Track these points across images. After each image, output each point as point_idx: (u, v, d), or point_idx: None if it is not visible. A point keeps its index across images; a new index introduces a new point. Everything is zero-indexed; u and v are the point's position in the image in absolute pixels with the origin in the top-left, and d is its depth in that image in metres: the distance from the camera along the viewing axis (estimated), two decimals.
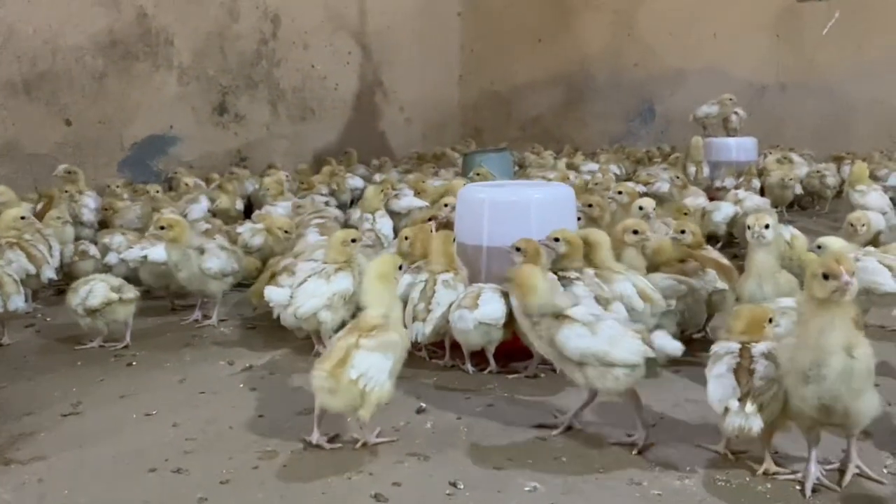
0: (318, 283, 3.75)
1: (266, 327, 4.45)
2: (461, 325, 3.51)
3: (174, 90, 9.09)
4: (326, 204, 7.38)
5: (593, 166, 9.40)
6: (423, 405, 3.26)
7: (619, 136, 12.20)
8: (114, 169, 8.45)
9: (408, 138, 12.22)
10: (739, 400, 2.51)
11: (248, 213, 7.39)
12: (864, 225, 4.66)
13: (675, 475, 2.62)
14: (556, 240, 3.64)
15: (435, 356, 3.82)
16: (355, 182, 8.74)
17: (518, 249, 3.53)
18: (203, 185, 7.69)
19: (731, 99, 9.35)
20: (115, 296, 4.09)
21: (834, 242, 4.51)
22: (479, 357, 3.71)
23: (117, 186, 7.08)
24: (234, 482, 2.63)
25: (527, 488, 2.54)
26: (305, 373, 3.64)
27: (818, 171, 8.23)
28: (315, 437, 2.88)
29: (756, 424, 2.47)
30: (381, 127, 11.92)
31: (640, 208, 4.50)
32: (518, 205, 4.03)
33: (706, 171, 8.83)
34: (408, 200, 6.69)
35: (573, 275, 3.55)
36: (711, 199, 7.16)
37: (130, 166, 8.61)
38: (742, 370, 2.59)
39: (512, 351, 3.70)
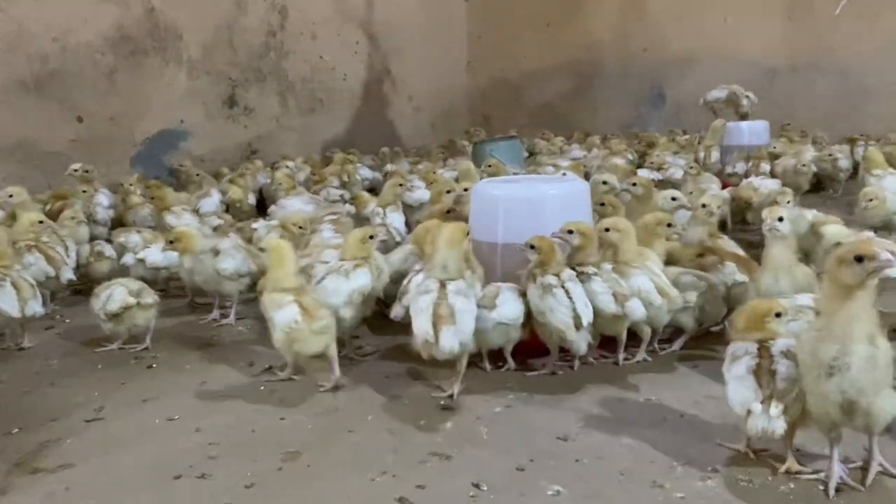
0: (338, 280, 3.76)
1: None
2: (480, 326, 3.51)
3: (184, 84, 9.10)
4: (341, 197, 7.40)
5: (577, 153, 9.42)
6: (452, 395, 3.28)
7: (630, 121, 12.14)
8: (126, 165, 8.50)
9: (417, 127, 12.21)
10: (762, 402, 2.51)
11: (260, 208, 7.41)
12: (872, 199, 4.64)
13: (697, 475, 2.63)
14: (570, 232, 3.63)
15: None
16: (365, 173, 8.75)
17: (532, 247, 3.52)
18: (211, 179, 7.69)
19: (743, 93, 9.29)
20: (133, 301, 4.11)
21: (833, 227, 4.50)
22: (496, 355, 3.72)
23: (130, 185, 7.10)
24: (259, 486, 2.66)
25: (549, 492, 2.55)
26: (325, 373, 3.72)
27: (830, 155, 8.16)
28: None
29: (780, 427, 2.48)
30: (390, 116, 11.91)
31: (673, 199, 4.45)
32: (533, 201, 4.02)
33: (715, 155, 8.77)
34: (420, 193, 6.69)
35: (591, 270, 3.54)
36: (724, 185, 7.12)
37: (142, 162, 8.65)
38: (763, 371, 2.59)
39: (530, 348, 3.71)
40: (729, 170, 8.26)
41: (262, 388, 3.60)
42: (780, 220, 3.56)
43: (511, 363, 3.67)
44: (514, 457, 2.80)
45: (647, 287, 3.57)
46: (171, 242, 4.47)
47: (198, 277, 4.46)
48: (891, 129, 9.52)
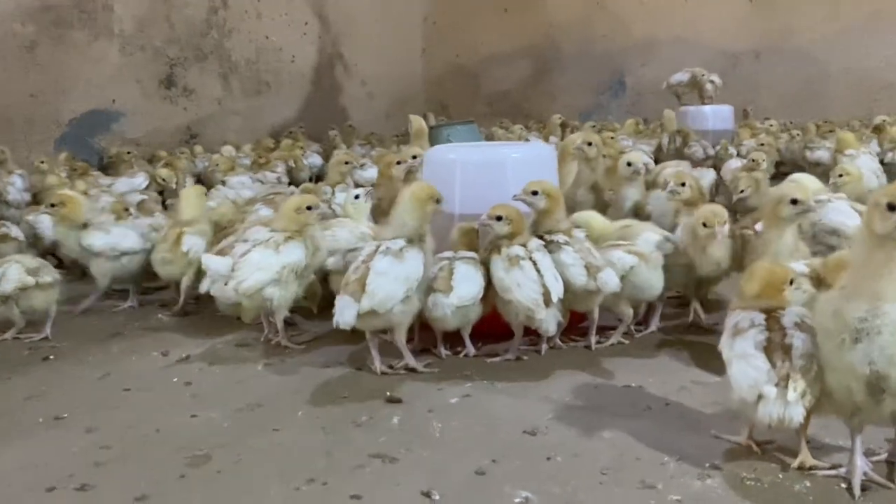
0: (266, 253, 3.23)
1: (210, 313, 3.91)
2: (437, 313, 3.02)
3: (116, 61, 8.42)
4: (278, 180, 6.86)
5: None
6: (395, 395, 2.78)
7: (589, 109, 11.78)
8: (50, 147, 7.78)
9: (371, 114, 11.64)
10: (776, 385, 2.06)
11: None
12: (842, 175, 4.34)
13: (693, 474, 2.17)
14: (535, 193, 3.16)
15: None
16: (314, 160, 8.24)
17: (499, 218, 3.04)
18: (143, 161, 7.07)
19: (703, 75, 9.00)
20: (31, 280, 3.53)
21: (805, 178, 4.19)
22: (452, 338, 3.23)
23: (41, 162, 6.44)
24: (152, 498, 2.12)
25: (517, 499, 2.06)
26: (251, 363, 3.18)
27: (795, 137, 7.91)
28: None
29: (798, 414, 2.04)
30: (343, 102, 11.33)
31: (629, 164, 4.01)
32: (493, 166, 3.55)
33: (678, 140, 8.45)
34: (373, 172, 6.17)
35: (561, 238, 3.07)
36: (695, 167, 6.76)
37: (69, 144, 7.94)
38: (775, 347, 2.15)
39: (490, 331, 3.23)
40: (700, 154, 7.90)
41: (174, 379, 3.05)
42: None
43: (470, 348, 3.19)
44: (472, 457, 2.30)
45: (617, 255, 3.14)
46: (52, 206, 3.91)
47: (63, 250, 4.02)
48: (853, 115, 9.30)
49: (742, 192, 4.66)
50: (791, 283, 2.35)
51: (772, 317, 2.23)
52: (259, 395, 2.84)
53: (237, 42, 9.70)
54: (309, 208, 3.39)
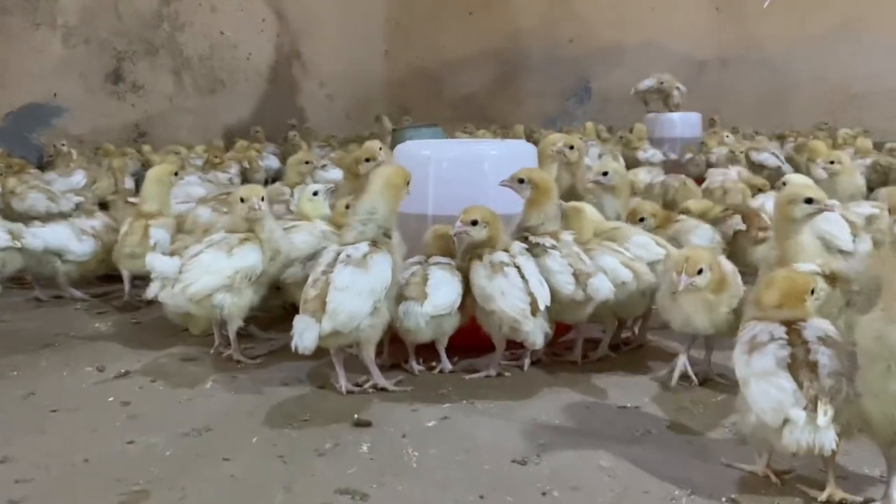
0: (217, 255, 2.89)
1: (155, 322, 3.54)
2: (410, 323, 2.71)
3: (58, 53, 7.92)
4: (230, 182, 6.47)
5: None
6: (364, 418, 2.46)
7: (555, 115, 11.59)
8: None
9: (330, 116, 11.26)
10: (805, 408, 1.80)
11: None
12: (834, 162, 4.18)
13: None
14: (521, 181, 2.88)
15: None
16: (270, 161, 7.86)
17: (475, 223, 2.74)
18: (81, 159, 6.62)
19: (674, 84, 8.88)
20: None
21: (798, 178, 4.02)
22: (426, 352, 2.92)
23: None
24: None
25: None
26: (199, 380, 2.83)
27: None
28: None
29: (829, 441, 1.78)
30: (300, 102, 10.93)
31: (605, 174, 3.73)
32: (470, 163, 3.27)
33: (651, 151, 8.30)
34: (335, 173, 5.85)
35: (548, 242, 2.79)
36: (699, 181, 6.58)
37: (5, 139, 7.41)
38: (800, 364, 1.89)
39: (466, 344, 2.93)
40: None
41: (110, 398, 2.68)
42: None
43: (446, 363, 2.88)
44: (456, 492, 2.00)
45: (613, 265, 2.85)
46: None
47: None
48: (818, 125, 9.27)
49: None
50: (813, 292, 2.10)
51: (793, 330, 1.98)
52: (207, 418, 2.49)
53: (190, 36, 9.25)
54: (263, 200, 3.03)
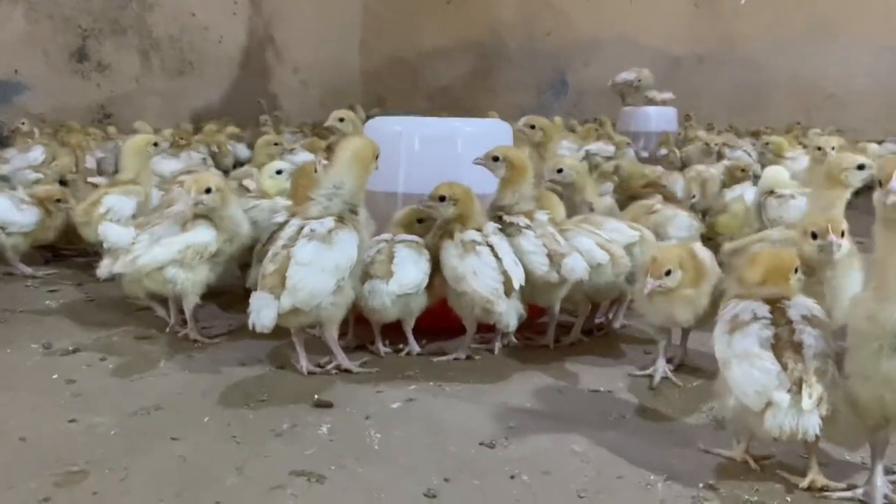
0: (171, 229, 2.74)
1: (111, 300, 3.38)
2: (375, 302, 2.59)
3: (20, 28, 7.64)
4: (203, 161, 6.30)
5: None
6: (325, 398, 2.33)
7: (531, 108, 11.43)
8: None
9: (303, 104, 11.04)
10: (789, 391, 1.71)
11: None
12: (820, 148, 4.14)
13: (687, 497, 1.80)
14: (496, 159, 2.76)
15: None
16: (239, 149, 7.67)
17: (442, 198, 2.63)
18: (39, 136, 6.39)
19: (644, 80, 8.86)
20: None
21: (776, 171, 3.98)
22: (393, 334, 2.79)
23: None
24: None
25: None
26: (152, 359, 2.67)
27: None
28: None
29: (814, 425, 1.69)
30: (273, 89, 10.70)
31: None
32: (443, 140, 3.15)
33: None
34: (304, 156, 5.69)
35: (521, 222, 2.67)
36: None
37: None
38: (784, 345, 1.80)
39: (435, 327, 2.81)
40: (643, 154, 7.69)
41: (54, 376, 2.51)
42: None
43: (413, 345, 2.76)
44: (420, 475, 1.88)
45: (588, 246, 2.74)
46: None
47: None
48: (789, 126, 9.27)
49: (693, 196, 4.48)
50: (797, 271, 2.01)
51: (777, 308, 1.89)
52: (158, 397, 2.34)
53: (160, 17, 8.99)
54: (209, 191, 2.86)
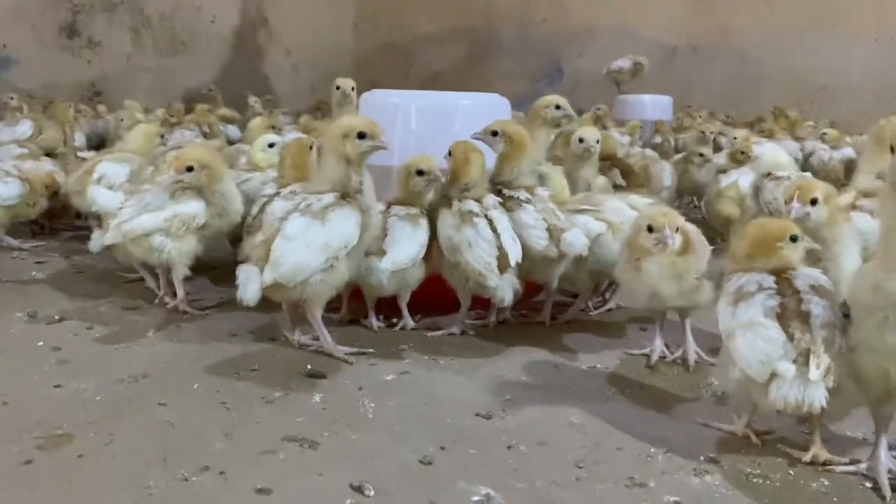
0: (160, 197, 2.68)
1: (99, 272, 3.32)
2: (372, 279, 2.54)
3: (8, 2, 7.51)
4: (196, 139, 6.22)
5: None
6: (317, 369, 2.28)
7: (525, 96, 11.36)
8: None
9: (295, 86, 10.93)
10: (794, 361, 1.68)
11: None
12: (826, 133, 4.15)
13: (688, 469, 1.76)
14: (495, 133, 2.72)
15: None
16: (232, 132, 7.57)
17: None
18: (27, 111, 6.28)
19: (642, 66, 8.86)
20: None
21: (774, 153, 3.94)
22: (387, 307, 2.74)
23: None
24: None
25: (475, 497, 1.60)
26: (140, 329, 2.62)
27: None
28: None
29: (820, 397, 1.66)
30: (265, 70, 10.58)
31: (557, 107, 3.22)
32: (441, 113, 3.10)
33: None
34: (295, 136, 5.61)
35: (522, 196, 2.62)
36: None
37: None
38: (790, 314, 1.76)
39: (431, 301, 2.76)
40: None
41: (39, 343, 2.45)
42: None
43: (408, 320, 2.71)
44: (414, 443, 1.83)
45: (583, 220, 2.70)
46: None
47: None
48: (774, 110, 9.24)
49: None
50: (794, 239, 1.95)
51: (782, 279, 1.86)
52: (145, 365, 2.28)
53: None
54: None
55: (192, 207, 2.74)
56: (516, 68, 11.59)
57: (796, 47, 9.76)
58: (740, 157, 5.17)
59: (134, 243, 2.67)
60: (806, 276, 1.86)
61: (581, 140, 3.42)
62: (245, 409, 1.99)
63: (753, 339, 1.74)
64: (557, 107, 3.21)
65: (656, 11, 10.59)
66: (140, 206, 2.67)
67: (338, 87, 3.43)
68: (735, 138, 6.17)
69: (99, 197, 2.75)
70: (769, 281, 1.84)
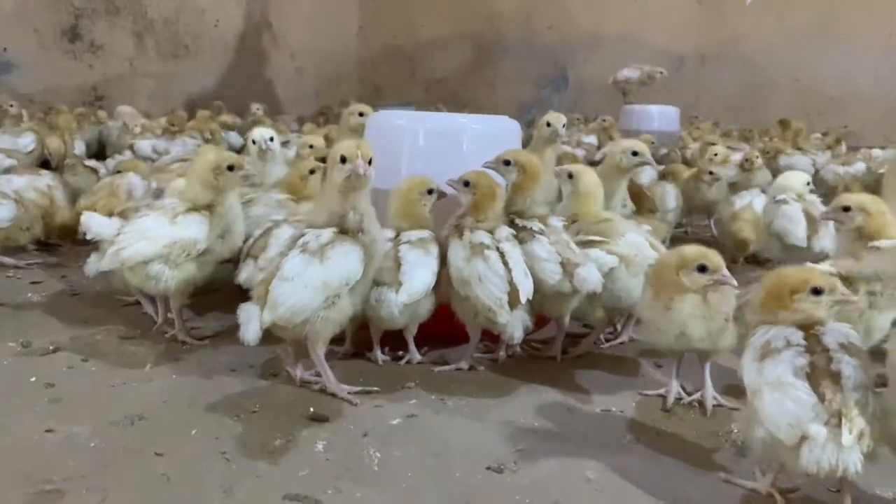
0: (159, 221, 2.59)
1: (97, 295, 3.24)
2: (383, 312, 2.44)
3: (9, 5, 7.45)
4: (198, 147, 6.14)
5: None
6: (320, 412, 2.19)
7: (530, 102, 11.34)
8: None
9: (299, 91, 10.86)
10: (826, 424, 1.59)
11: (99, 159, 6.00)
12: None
13: None
14: (507, 162, 2.62)
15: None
16: (234, 139, 7.50)
17: (467, 184, 2.50)
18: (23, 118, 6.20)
19: (661, 72, 8.76)
20: None
21: (789, 177, 3.87)
22: (392, 340, 2.65)
23: None
24: None
25: None
26: (137, 362, 2.53)
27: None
28: None
29: (855, 461, 1.56)
30: (269, 75, 10.51)
31: (634, 153, 3.15)
32: (448, 136, 2.98)
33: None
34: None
35: (535, 226, 2.53)
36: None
37: None
38: (821, 374, 1.67)
39: (438, 331, 2.67)
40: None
41: (32, 378, 2.36)
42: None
43: (414, 353, 2.62)
44: (423, 502, 1.74)
45: (598, 253, 2.60)
46: None
47: None
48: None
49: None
50: (818, 292, 1.84)
51: (811, 335, 1.76)
52: (142, 406, 2.19)
53: None
54: (230, 168, 2.72)
55: (194, 231, 2.62)
56: (521, 74, 11.51)
57: (805, 57, 9.66)
58: (746, 166, 5.10)
59: (131, 271, 2.58)
60: (835, 332, 1.77)
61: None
62: (245, 460, 1.90)
63: (782, 399, 1.65)
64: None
65: (663, 19, 10.50)
66: (138, 232, 2.57)
67: (361, 114, 3.39)
68: (716, 155, 6.03)
69: (93, 223, 2.65)
70: (797, 336, 1.75)
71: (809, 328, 1.78)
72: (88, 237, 2.68)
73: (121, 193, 3.67)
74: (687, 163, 6.96)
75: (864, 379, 1.67)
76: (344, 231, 2.28)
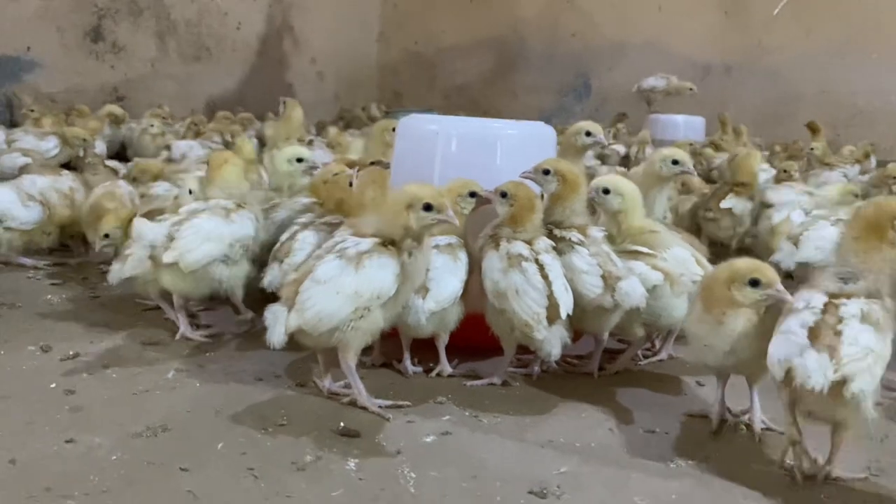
0: (215, 221, 2.57)
1: (119, 298, 3.16)
2: (410, 319, 2.35)
3: (34, 4, 7.41)
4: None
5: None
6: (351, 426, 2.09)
7: (551, 111, 11.21)
8: None
9: (319, 95, 10.79)
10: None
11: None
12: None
13: None
14: (546, 172, 2.52)
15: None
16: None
17: (504, 195, 2.40)
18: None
19: (691, 88, 8.68)
20: None
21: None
22: (422, 350, 2.55)
23: None
24: None
25: None
26: (160, 368, 2.44)
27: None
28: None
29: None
30: (289, 79, 10.45)
31: (675, 162, 3.02)
32: (482, 142, 2.88)
33: (648, 151, 7.99)
34: (321, 154, 5.45)
35: (575, 237, 2.43)
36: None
37: None
38: (824, 326, 1.78)
39: (469, 341, 2.57)
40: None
41: (52, 385, 2.28)
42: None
43: (446, 366, 2.52)
44: None
45: (645, 269, 2.49)
46: None
47: None
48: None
49: None
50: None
51: (831, 303, 1.84)
52: (165, 415, 2.10)
53: (178, 0, 8.77)
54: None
55: (248, 227, 2.71)
56: (543, 82, 11.40)
57: (833, 69, 9.50)
58: (783, 176, 4.94)
59: (176, 275, 2.55)
60: (855, 305, 1.82)
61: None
62: (274, 477, 1.80)
63: (781, 342, 1.80)
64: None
65: (688, 29, 10.36)
66: (200, 234, 2.56)
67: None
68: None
69: (145, 229, 2.56)
70: (819, 300, 1.85)
71: (835, 297, 1.84)
72: (138, 245, 2.59)
73: (125, 201, 3.56)
74: (709, 179, 6.79)
75: (872, 344, 1.75)
76: (385, 243, 2.19)
